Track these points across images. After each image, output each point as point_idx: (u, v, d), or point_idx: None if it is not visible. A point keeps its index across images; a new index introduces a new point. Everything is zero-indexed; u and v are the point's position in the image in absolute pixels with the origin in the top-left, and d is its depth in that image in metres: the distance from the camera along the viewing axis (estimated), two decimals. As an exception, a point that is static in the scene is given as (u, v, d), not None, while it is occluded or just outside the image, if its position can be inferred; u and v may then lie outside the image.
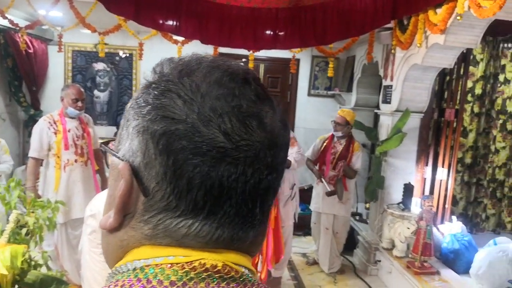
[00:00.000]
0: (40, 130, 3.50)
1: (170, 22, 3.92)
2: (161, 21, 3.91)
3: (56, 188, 3.52)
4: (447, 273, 3.83)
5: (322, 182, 4.29)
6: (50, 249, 3.43)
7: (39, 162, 3.57)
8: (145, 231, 0.48)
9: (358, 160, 4.29)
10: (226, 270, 0.47)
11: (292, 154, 3.80)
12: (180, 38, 4.40)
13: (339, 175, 4.27)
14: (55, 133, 3.52)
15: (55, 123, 3.54)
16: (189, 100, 0.46)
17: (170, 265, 0.45)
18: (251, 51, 4.56)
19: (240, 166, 0.46)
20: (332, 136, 4.35)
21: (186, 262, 0.46)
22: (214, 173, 0.46)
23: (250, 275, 0.49)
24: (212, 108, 0.46)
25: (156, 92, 0.48)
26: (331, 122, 4.37)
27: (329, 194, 4.23)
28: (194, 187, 0.46)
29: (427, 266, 3.84)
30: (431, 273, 3.80)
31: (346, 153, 4.26)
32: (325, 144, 4.36)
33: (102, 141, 3.58)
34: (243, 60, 5.30)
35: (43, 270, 1.81)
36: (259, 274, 3.95)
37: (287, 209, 3.98)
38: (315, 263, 4.67)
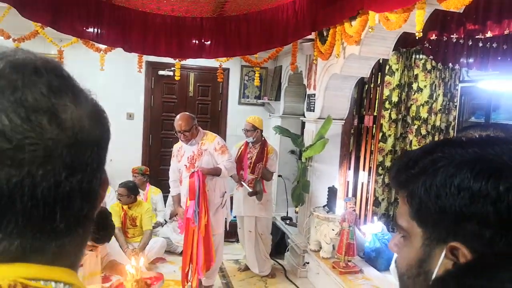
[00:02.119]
0: None
1: (91, 30, 3.79)
2: (81, 28, 3.78)
3: None
4: (370, 271, 4.02)
5: (243, 185, 4.44)
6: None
7: None
8: None
9: (274, 162, 4.55)
10: None
11: (223, 162, 3.84)
12: (103, 46, 4.29)
13: (258, 177, 4.47)
14: None
15: None
16: None
17: None
18: (177, 60, 4.55)
19: (24, 168, 0.41)
20: (247, 143, 4.55)
21: None
22: None
23: None
24: None
25: None
26: (242, 130, 4.58)
27: (251, 194, 4.40)
28: None
29: (351, 265, 3.99)
30: (355, 272, 3.94)
31: (261, 156, 4.49)
32: (241, 150, 4.56)
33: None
34: (172, 68, 5.26)
35: None
36: (189, 283, 3.92)
37: (217, 217, 4.00)
38: (247, 268, 4.71)
